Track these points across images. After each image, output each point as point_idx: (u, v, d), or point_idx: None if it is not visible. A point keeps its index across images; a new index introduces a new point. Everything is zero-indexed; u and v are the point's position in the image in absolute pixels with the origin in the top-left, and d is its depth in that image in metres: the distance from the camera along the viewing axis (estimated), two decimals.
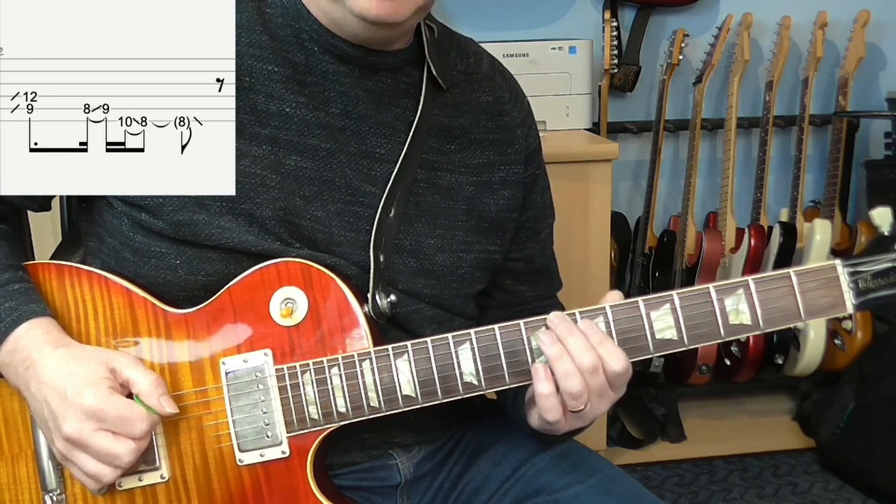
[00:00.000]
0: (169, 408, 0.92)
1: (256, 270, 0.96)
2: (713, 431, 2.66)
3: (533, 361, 0.94)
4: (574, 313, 0.94)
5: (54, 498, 0.98)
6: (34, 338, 0.93)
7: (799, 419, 2.69)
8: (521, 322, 0.94)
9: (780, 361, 2.54)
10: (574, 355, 0.91)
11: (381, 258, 1.00)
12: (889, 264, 0.91)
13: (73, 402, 0.89)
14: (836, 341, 2.58)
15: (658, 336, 0.93)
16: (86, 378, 0.90)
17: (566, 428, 0.96)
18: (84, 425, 0.89)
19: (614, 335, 0.93)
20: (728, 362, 2.56)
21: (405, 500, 1.10)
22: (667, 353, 0.94)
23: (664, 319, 0.93)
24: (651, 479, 2.43)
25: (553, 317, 0.93)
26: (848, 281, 0.92)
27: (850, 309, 0.92)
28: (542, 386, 0.92)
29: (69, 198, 1.26)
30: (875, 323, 2.59)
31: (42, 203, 1.06)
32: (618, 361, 0.91)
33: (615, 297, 0.95)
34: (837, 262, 0.92)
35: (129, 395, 0.92)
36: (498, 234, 1.10)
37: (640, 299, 0.93)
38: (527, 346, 0.94)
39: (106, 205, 1.01)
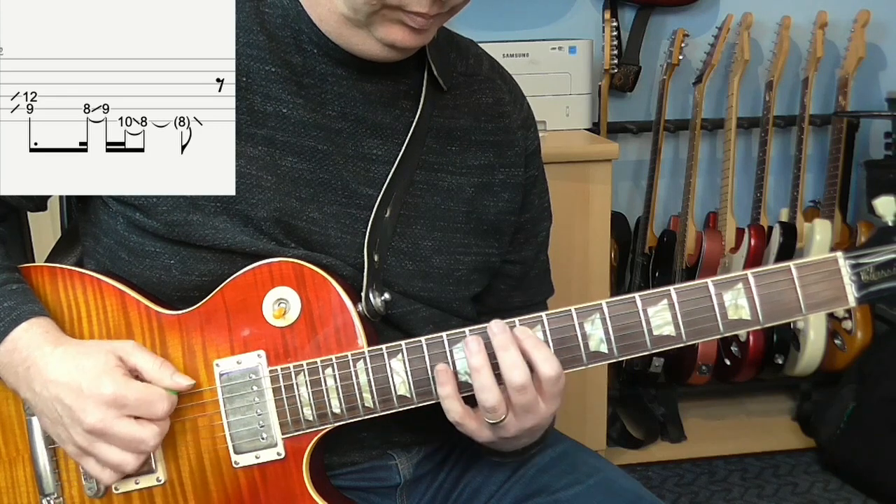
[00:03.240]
0: (184, 382, 0.93)
1: (249, 270, 0.96)
2: (713, 431, 2.66)
3: None
4: (514, 321, 0.93)
5: (52, 501, 0.98)
6: (34, 338, 0.93)
7: (799, 419, 2.69)
8: (517, 320, 0.93)
9: (780, 361, 2.54)
10: (504, 370, 0.90)
11: (376, 258, 1.00)
12: (892, 255, 0.89)
13: (90, 392, 0.89)
14: (836, 341, 2.58)
15: (656, 332, 0.92)
16: (98, 369, 0.90)
17: (481, 436, 0.95)
18: (107, 413, 0.89)
19: (611, 332, 0.92)
20: (728, 362, 2.56)
21: (405, 500, 1.10)
22: (665, 349, 0.93)
23: (662, 315, 0.92)
24: (651, 479, 2.44)
25: (493, 325, 0.92)
26: (850, 273, 0.90)
27: (852, 302, 0.90)
28: (441, 389, 0.92)
29: (68, 198, 1.26)
30: (875, 323, 2.60)
31: (39, 203, 1.06)
32: (551, 367, 0.91)
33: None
34: (839, 254, 0.90)
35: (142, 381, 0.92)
36: (496, 237, 1.10)
37: (636, 295, 0.92)
38: None
39: (101, 204, 1.01)
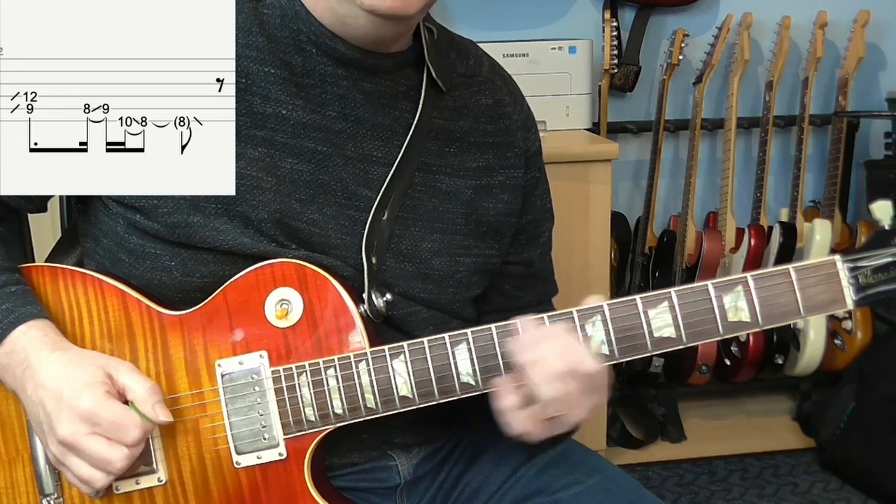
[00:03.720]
0: (163, 416, 0.92)
1: (251, 271, 0.96)
2: (713, 431, 2.66)
3: None
4: (543, 317, 0.93)
5: (51, 502, 0.98)
6: (32, 340, 0.93)
7: (799, 419, 2.69)
8: (518, 321, 0.94)
9: (780, 361, 2.54)
10: (546, 361, 0.90)
11: (374, 260, 1.00)
12: (889, 259, 0.90)
13: (68, 404, 0.89)
14: (836, 341, 2.58)
15: (656, 334, 0.92)
16: (83, 381, 0.90)
17: (542, 436, 0.95)
18: (78, 428, 0.89)
19: (612, 333, 0.92)
20: (728, 362, 2.56)
21: (405, 500, 1.10)
22: (665, 351, 0.93)
23: (662, 317, 0.92)
24: (651, 479, 2.43)
25: (523, 321, 0.92)
26: (848, 276, 0.91)
27: (850, 305, 0.91)
28: (506, 401, 0.92)
29: (68, 198, 1.26)
30: (875, 323, 2.59)
31: (38, 204, 1.06)
32: (591, 363, 0.91)
33: (597, 298, 0.94)
34: (837, 257, 0.91)
35: (126, 402, 0.92)
36: (496, 238, 1.10)
37: (637, 297, 0.93)
38: None
39: (101, 206, 1.01)
